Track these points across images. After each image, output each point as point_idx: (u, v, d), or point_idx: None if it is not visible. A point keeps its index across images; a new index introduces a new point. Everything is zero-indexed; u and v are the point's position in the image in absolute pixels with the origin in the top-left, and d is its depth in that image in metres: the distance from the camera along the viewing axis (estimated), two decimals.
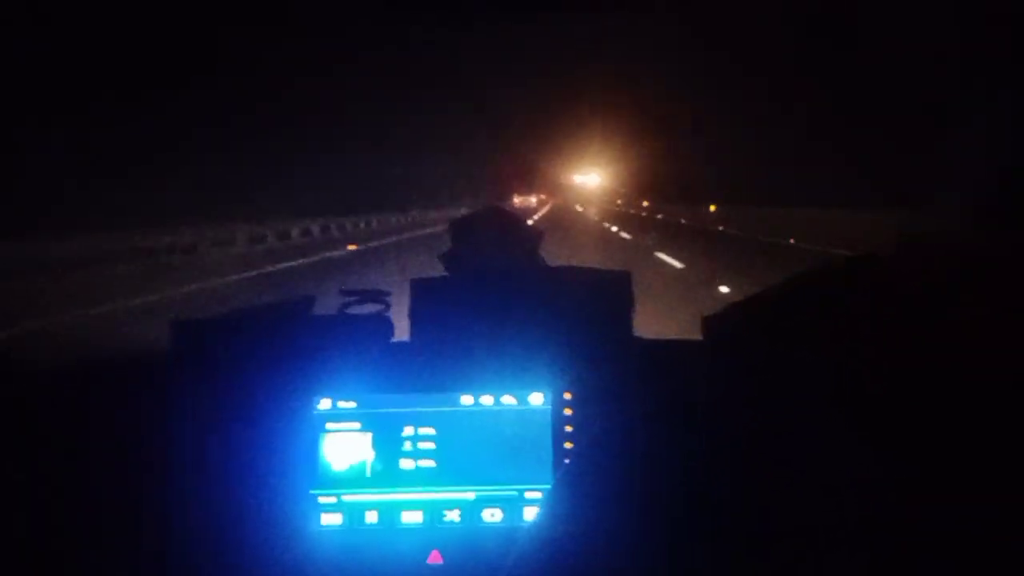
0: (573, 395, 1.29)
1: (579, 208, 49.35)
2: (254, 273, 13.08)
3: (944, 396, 0.57)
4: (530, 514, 1.25)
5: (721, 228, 27.55)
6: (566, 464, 1.26)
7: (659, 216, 40.48)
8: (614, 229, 25.41)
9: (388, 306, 1.54)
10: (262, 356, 1.34)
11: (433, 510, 1.25)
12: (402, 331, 1.48)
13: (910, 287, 0.63)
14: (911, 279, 0.63)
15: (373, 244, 20.13)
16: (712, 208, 36.48)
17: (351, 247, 17.95)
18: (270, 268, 13.85)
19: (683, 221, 32.75)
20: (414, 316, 1.46)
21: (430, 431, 1.27)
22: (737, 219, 27.85)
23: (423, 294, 1.48)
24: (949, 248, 0.66)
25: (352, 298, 1.55)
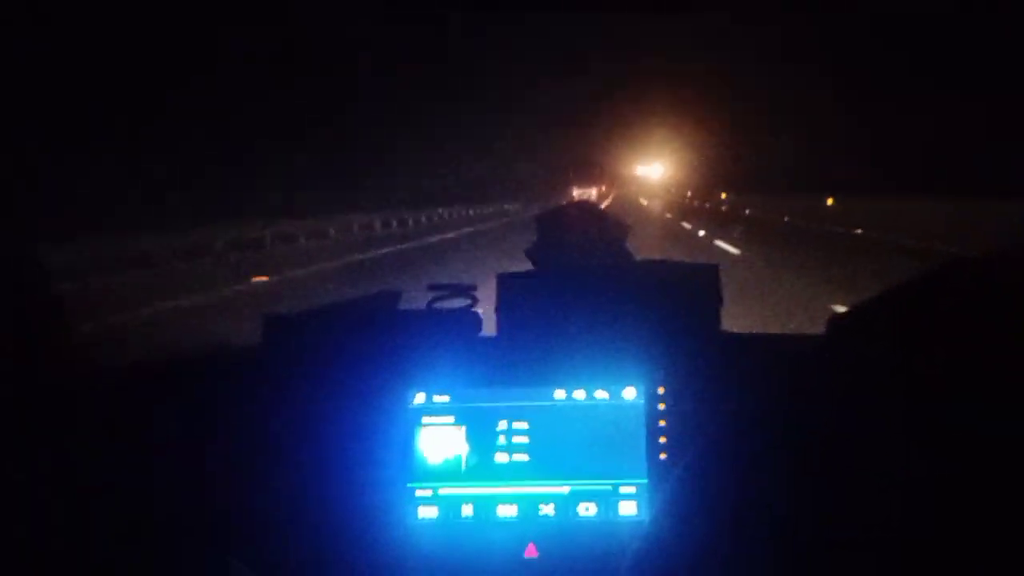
0: (666, 389, 1.28)
1: (644, 202, 45.83)
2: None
3: None
4: (625, 508, 1.25)
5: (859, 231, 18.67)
6: (662, 460, 1.25)
7: (747, 211, 34.32)
8: (700, 233, 20.48)
9: (475, 300, 1.55)
10: (355, 351, 1.37)
11: (528, 504, 1.26)
12: (488, 326, 1.49)
13: None
14: None
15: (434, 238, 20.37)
16: (830, 202, 27.13)
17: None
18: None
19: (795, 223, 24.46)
20: (502, 311, 1.47)
21: (523, 425, 1.27)
22: (859, 215, 19.86)
23: (511, 289, 1.48)
24: None
25: (439, 293, 1.57)
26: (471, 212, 35.38)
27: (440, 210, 30.36)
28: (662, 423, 1.27)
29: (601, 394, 1.28)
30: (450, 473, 1.28)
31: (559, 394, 1.28)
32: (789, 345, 1.47)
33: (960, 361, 0.60)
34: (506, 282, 1.49)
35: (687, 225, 24.43)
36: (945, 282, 0.66)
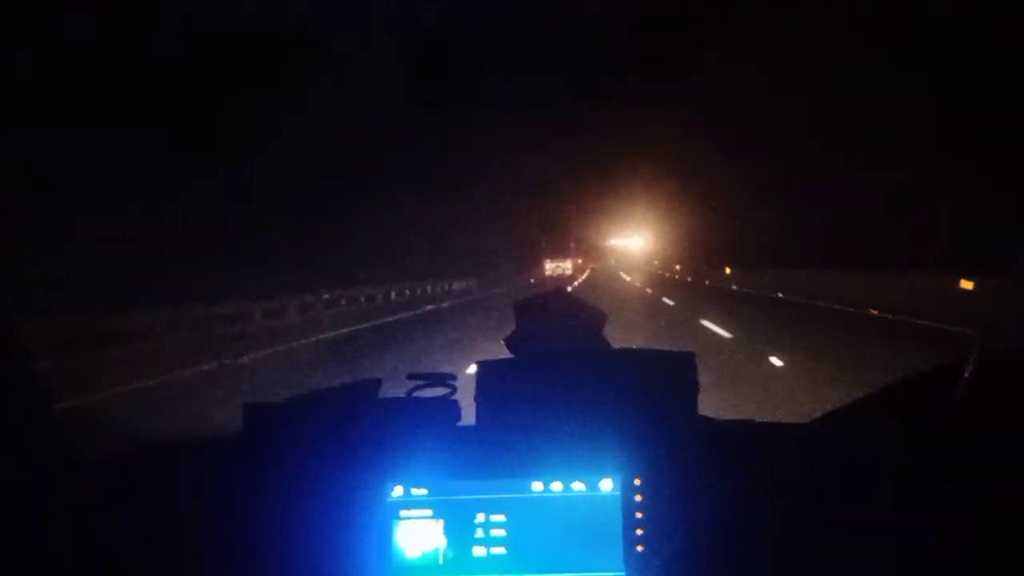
0: (642, 480, 1.29)
1: (626, 277, 39.81)
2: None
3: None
4: None
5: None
6: (639, 552, 1.25)
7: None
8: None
9: (454, 389, 1.56)
10: (334, 442, 1.37)
11: None
12: (467, 412, 1.50)
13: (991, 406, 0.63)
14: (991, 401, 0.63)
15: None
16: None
17: None
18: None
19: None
20: (481, 399, 1.48)
21: (501, 518, 1.27)
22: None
23: (489, 377, 1.50)
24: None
25: (419, 382, 1.58)
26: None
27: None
28: (639, 515, 1.27)
29: (578, 486, 1.29)
30: (428, 567, 1.27)
31: (537, 486, 1.29)
32: (767, 433, 1.49)
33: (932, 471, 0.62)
34: (485, 370, 1.50)
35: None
36: (920, 390, 0.68)
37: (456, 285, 31.12)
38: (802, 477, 1.19)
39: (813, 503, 1.20)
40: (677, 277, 42.17)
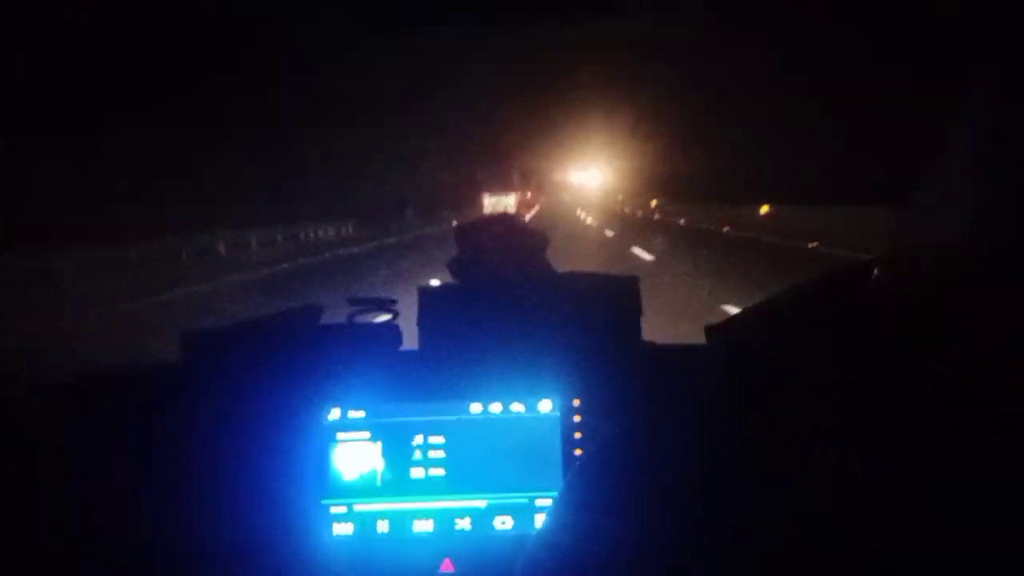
0: (582, 401, 1.29)
1: (583, 216, 33.45)
2: None
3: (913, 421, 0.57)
4: (541, 521, 1.25)
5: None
6: (572, 471, 1.26)
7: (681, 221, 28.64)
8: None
9: (396, 314, 1.54)
10: (271, 367, 1.35)
11: (444, 519, 1.26)
12: (411, 339, 1.49)
13: (894, 306, 0.63)
14: (896, 298, 0.63)
15: None
16: (763, 210, 31.59)
17: None
18: None
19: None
20: (422, 325, 1.47)
21: (440, 440, 1.27)
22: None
23: (431, 302, 1.48)
24: (939, 261, 0.65)
25: (360, 307, 1.55)
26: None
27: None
28: (578, 435, 1.28)
29: (518, 407, 1.28)
30: (365, 489, 1.27)
31: (475, 408, 1.28)
32: (703, 352, 1.50)
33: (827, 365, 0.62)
34: (426, 295, 1.49)
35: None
36: (805, 298, 0.68)
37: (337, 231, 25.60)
38: (735, 397, 1.20)
39: (746, 422, 1.21)
40: (640, 213, 37.39)
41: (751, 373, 0.69)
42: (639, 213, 36.82)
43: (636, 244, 17.86)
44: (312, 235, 22.55)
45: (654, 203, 36.74)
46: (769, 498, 0.69)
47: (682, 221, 28.36)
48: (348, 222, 24.77)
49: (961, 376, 0.58)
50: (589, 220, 30.26)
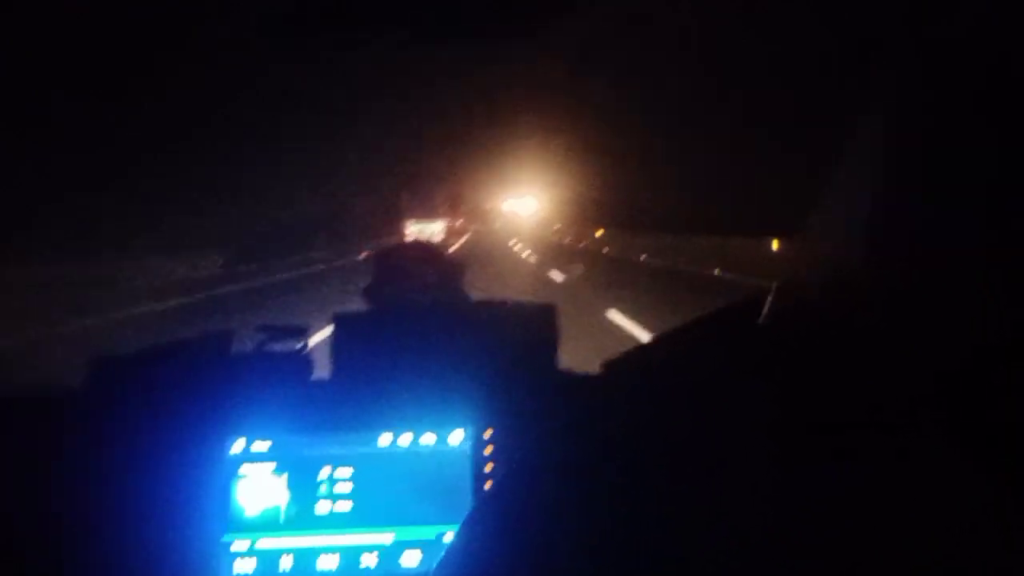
0: (494, 431, 1.27)
1: (518, 249, 29.74)
2: None
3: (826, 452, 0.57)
4: None
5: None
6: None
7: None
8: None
9: (305, 344, 1.50)
10: (176, 396, 1.30)
11: (350, 555, 1.22)
12: (323, 368, 1.45)
13: (786, 338, 0.64)
14: (788, 329, 0.64)
15: None
16: (598, 233, 29.39)
17: None
18: None
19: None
20: (335, 352, 1.43)
21: (347, 472, 1.23)
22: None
23: (345, 330, 1.45)
24: (832, 290, 0.66)
25: (269, 335, 1.51)
26: None
27: None
28: (489, 467, 1.25)
29: (429, 438, 1.26)
30: (269, 523, 1.22)
31: (385, 439, 1.25)
32: (623, 386, 1.49)
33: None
34: (340, 323, 1.46)
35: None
36: (701, 332, 0.68)
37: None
38: (644, 429, 1.20)
39: (659, 456, 1.21)
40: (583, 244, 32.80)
41: (644, 410, 0.69)
42: (581, 244, 33.01)
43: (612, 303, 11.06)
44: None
45: (599, 233, 32.64)
46: (671, 544, 0.67)
47: (643, 257, 23.79)
48: (216, 255, 17.73)
49: (853, 407, 0.59)
50: (526, 255, 25.98)
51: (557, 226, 41.50)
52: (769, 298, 0.66)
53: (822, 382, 0.61)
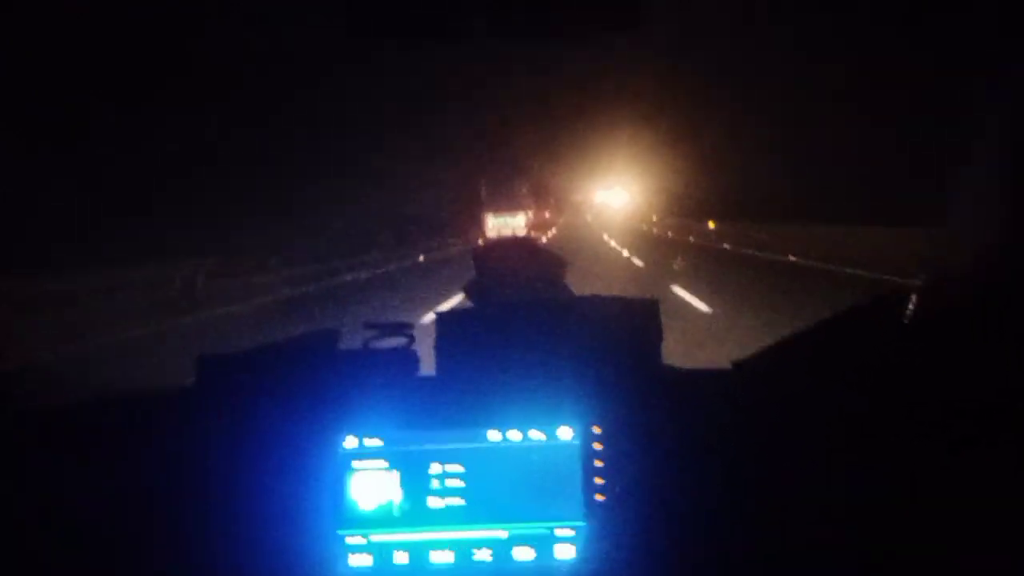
0: (602, 429, 1.26)
1: (613, 245, 25.34)
2: None
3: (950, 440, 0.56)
4: (562, 552, 1.22)
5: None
6: (598, 501, 1.23)
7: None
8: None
9: (412, 339, 1.52)
10: (287, 392, 1.33)
11: (463, 550, 1.23)
12: (428, 365, 1.46)
13: (931, 334, 0.61)
14: (933, 326, 0.62)
15: None
16: (711, 225, 26.45)
17: None
18: None
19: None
20: (440, 349, 1.44)
21: (458, 468, 1.24)
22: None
23: (448, 327, 1.46)
24: (965, 279, 0.64)
25: (376, 332, 1.53)
26: None
27: None
28: (599, 464, 1.24)
29: (536, 435, 1.25)
30: (383, 519, 1.24)
31: (494, 435, 1.25)
32: (728, 380, 1.47)
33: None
34: (444, 320, 1.47)
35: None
36: (832, 333, 0.66)
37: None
38: (758, 423, 1.18)
39: (770, 448, 1.18)
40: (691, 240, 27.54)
41: (779, 409, 0.68)
42: (690, 239, 28.00)
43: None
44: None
45: (712, 225, 28.21)
46: (799, 531, 0.66)
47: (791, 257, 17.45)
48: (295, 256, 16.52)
49: (995, 398, 0.57)
50: (626, 253, 21.43)
51: (654, 217, 37.67)
52: (913, 296, 0.64)
53: (964, 374, 0.59)
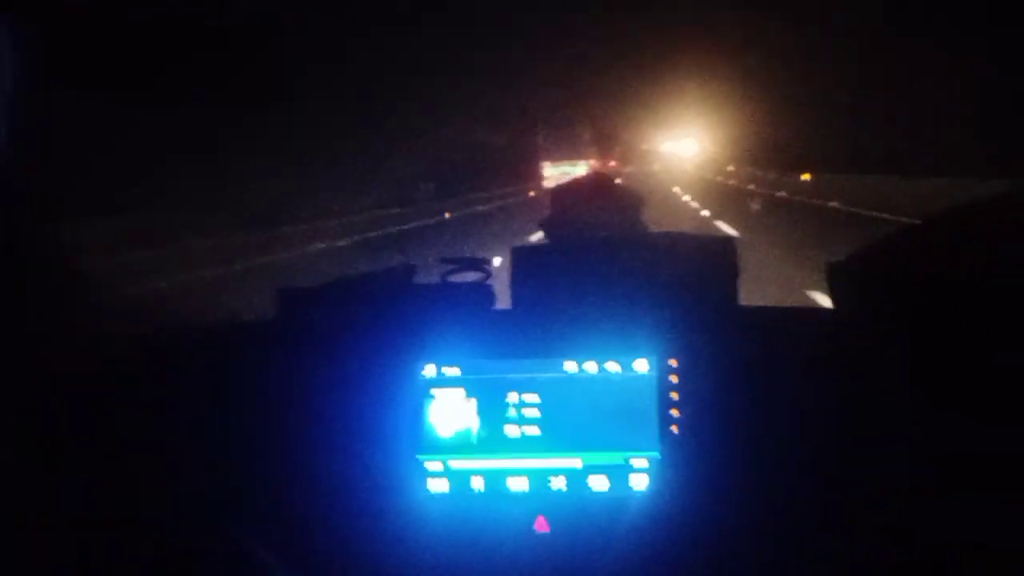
0: (678, 362, 1.27)
1: (687, 200, 21.46)
2: None
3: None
4: (636, 481, 1.24)
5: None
6: (673, 433, 1.24)
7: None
8: None
9: (489, 274, 1.54)
10: (367, 323, 1.36)
11: (539, 477, 1.25)
12: (504, 301, 1.48)
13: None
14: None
15: None
16: (805, 176, 23.17)
17: None
18: None
19: None
20: (515, 284, 1.46)
21: (534, 398, 1.26)
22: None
23: (524, 262, 1.47)
24: None
25: (453, 266, 1.56)
26: None
27: None
28: (674, 396, 1.25)
29: (613, 366, 1.27)
30: (460, 446, 1.27)
31: (570, 366, 1.27)
32: (804, 319, 1.45)
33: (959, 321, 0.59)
34: (519, 255, 1.48)
35: None
36: (927, 238, 0.64)
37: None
38: (833, 362, 1.17)
39: (844, 387, 1.17)
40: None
41: (866, 358, 0.67)
42: (780, 194, 23.74)
43: None
44: None
45: (807, 176, 24.14)
46: (873, 461, 0.66)
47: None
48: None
49: None
50: (705, 213, 17.74)
51: (730, 167, 33.82)
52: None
53: None
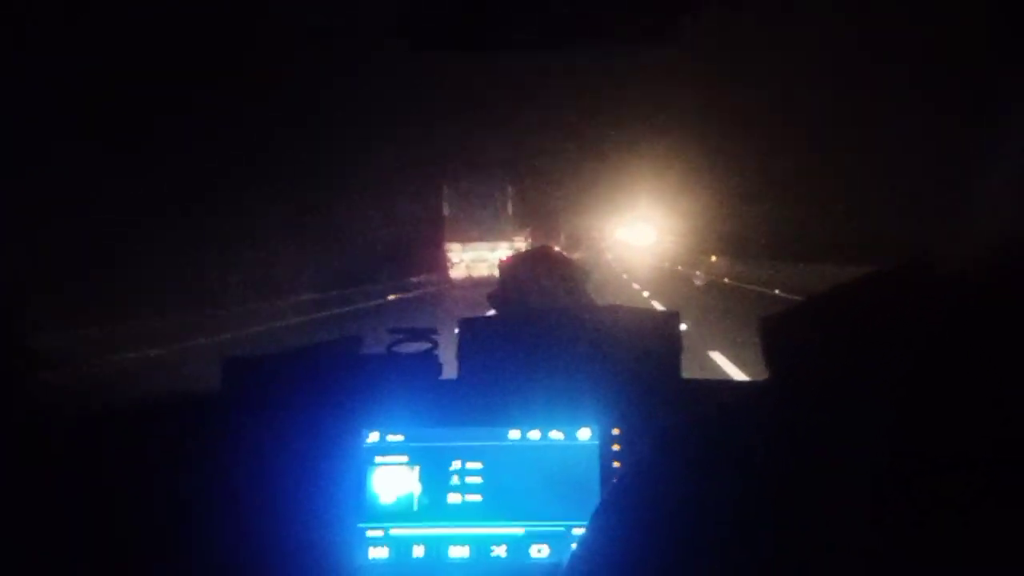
0: (621, 431, 1.28)
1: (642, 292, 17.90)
2: None
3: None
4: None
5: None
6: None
7: None
8: None
9: (435, 344, 1.55)
10: (312, 392, 1.36)
11: (480, 545, 1.25)
12: (450, 371, 1.49)
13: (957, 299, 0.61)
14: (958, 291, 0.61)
15: None
16: (713, 259, 23.83)
17: None
18: None
19: None
20: (462, 354, 1.47)
21: (477, 465, 1.26)
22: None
23: (471, 333, 1.49)
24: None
25: (399, 336, 1.57)
26: None
27: None
28: (617, 465, 1.26)
29: (556, 435, 1.28)
30: (402, 513, 1.26)
31: (514, 434, 1.28)
32: (747, 393, 1.48)
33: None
34: (467, 326, 1.49)
35: None
36: (864, 291, 0.67)
37: None
38: (776, 441, 1.19)
39: (786, 468, 1.19)
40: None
41: (809, 431, 0.67)
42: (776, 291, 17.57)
43: None
44: None
45: (715, 259, 25.11)
46: (814, 545, 0.66)
47: None
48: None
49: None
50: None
51: (714, 257, 28.49)
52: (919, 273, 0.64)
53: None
